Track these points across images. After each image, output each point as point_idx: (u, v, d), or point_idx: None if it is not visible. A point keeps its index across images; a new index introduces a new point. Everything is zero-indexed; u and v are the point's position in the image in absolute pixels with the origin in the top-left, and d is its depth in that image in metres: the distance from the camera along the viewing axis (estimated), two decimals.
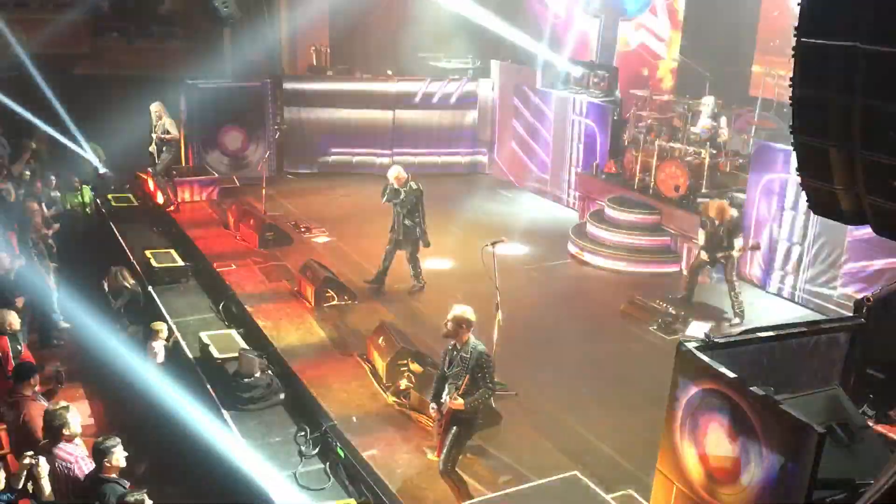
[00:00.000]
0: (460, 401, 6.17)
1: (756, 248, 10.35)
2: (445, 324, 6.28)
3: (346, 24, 16.37)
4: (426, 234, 10.27)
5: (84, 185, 13.80)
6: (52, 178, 13.01)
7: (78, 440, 6.12)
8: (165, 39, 17.22)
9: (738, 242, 9.57)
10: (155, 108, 13.42)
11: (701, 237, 9.82)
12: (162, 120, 13.39)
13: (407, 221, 10.09)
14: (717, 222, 9.57)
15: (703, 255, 9.81)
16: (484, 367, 6.20)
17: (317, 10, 16.00)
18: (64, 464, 5.90)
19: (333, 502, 6.51)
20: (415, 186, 10.12)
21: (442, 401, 6.39)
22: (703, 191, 11.43)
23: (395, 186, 10.08)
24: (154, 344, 8.53)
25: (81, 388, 9.03)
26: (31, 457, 5.67)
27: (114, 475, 5.69)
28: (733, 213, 9.76)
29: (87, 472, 5.87)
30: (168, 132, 13.40)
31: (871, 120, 3.32)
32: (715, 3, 13.28)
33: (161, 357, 8.48)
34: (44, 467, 5.67)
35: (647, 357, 8.82)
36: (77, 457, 5.99)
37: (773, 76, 11.49)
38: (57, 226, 10.92)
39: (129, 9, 17.45)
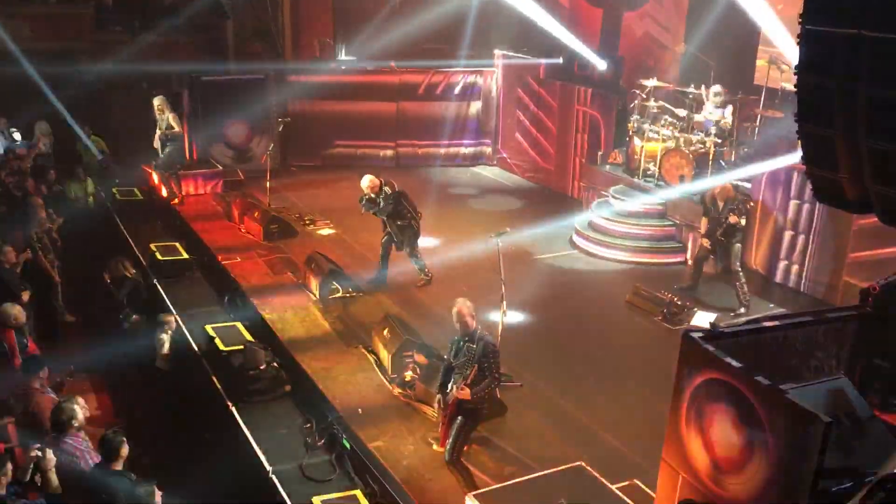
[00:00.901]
0: (467, 390, 6.18)
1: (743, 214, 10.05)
2: (460, 318, 6.28)
3: (350, 16, 16.33)
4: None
5: (87, 178, 13.77)
6: (52, 171, 12.99)
7: (84, 433, 6.13)
8: (168, 33, 17.16)
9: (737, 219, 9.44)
10: (157, 102, 13.41)
11: (703, 224, 9.79)
12: (165, 114, 13.38)
13: (399, 222, 10.04)
14: (720, 205, 9.53)
15: (705, 242, 9.79)
16: (490, 357, 6.21)
17: (321, 1, 15.96)
18: (71, 456, 5.92)
19: (339, 493, 6.52)
20: (390, 191, 10.00)
21: (448, 391, 6.40)
22: (708, 180, 11.38)
23: (372, 196, 10.01)
24: (161, 335, 8.55)
25: (87, 380, 9.04)
26: (38, 449, 5.69)
27: (120, 467, 5.71)
28: (737, 195, 9.72)
29: (93, 464, 5.89)
30: (172, 126, 13.40)
31: (876, 108, 3.30)
32: None
33: (167, 348, 8.50)
34: (51, 460, 5.69)
35: (652, 347, 8.83)
36: (84, 449, 6.01)
37: (778, 64, 11.42)
38: (61, 220, 10.93)
39: (132, 2, 17.42)
